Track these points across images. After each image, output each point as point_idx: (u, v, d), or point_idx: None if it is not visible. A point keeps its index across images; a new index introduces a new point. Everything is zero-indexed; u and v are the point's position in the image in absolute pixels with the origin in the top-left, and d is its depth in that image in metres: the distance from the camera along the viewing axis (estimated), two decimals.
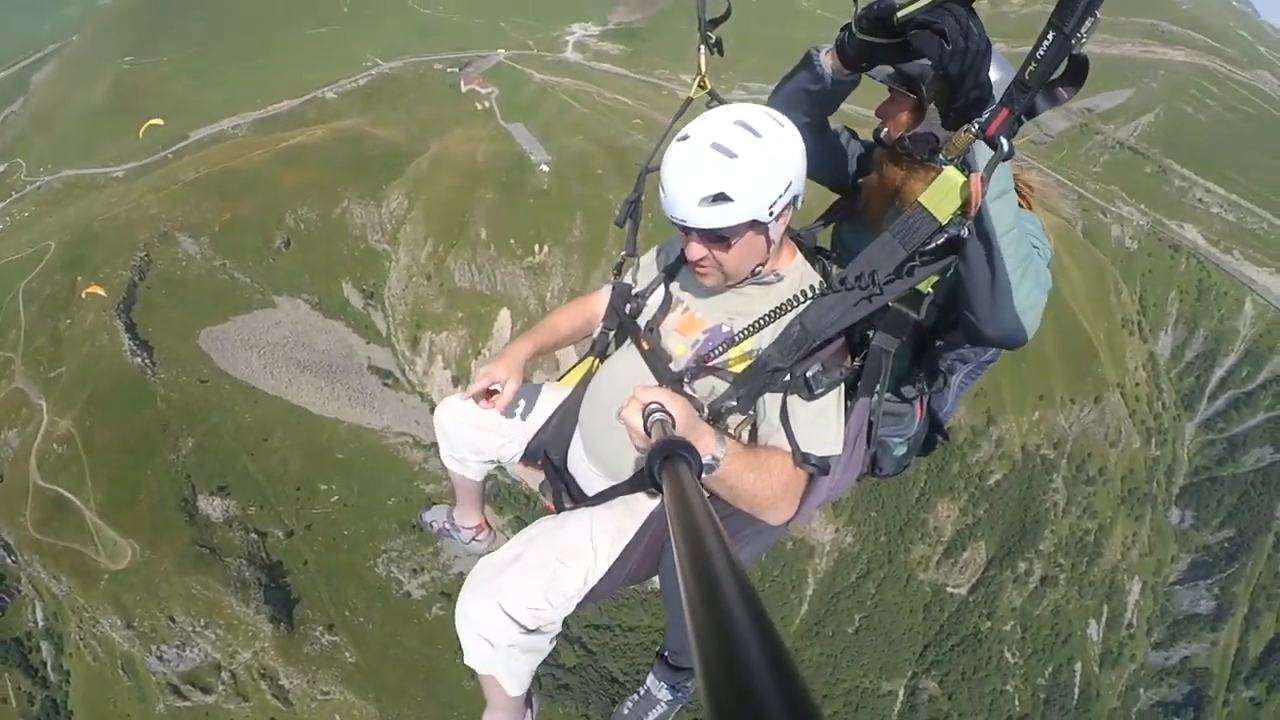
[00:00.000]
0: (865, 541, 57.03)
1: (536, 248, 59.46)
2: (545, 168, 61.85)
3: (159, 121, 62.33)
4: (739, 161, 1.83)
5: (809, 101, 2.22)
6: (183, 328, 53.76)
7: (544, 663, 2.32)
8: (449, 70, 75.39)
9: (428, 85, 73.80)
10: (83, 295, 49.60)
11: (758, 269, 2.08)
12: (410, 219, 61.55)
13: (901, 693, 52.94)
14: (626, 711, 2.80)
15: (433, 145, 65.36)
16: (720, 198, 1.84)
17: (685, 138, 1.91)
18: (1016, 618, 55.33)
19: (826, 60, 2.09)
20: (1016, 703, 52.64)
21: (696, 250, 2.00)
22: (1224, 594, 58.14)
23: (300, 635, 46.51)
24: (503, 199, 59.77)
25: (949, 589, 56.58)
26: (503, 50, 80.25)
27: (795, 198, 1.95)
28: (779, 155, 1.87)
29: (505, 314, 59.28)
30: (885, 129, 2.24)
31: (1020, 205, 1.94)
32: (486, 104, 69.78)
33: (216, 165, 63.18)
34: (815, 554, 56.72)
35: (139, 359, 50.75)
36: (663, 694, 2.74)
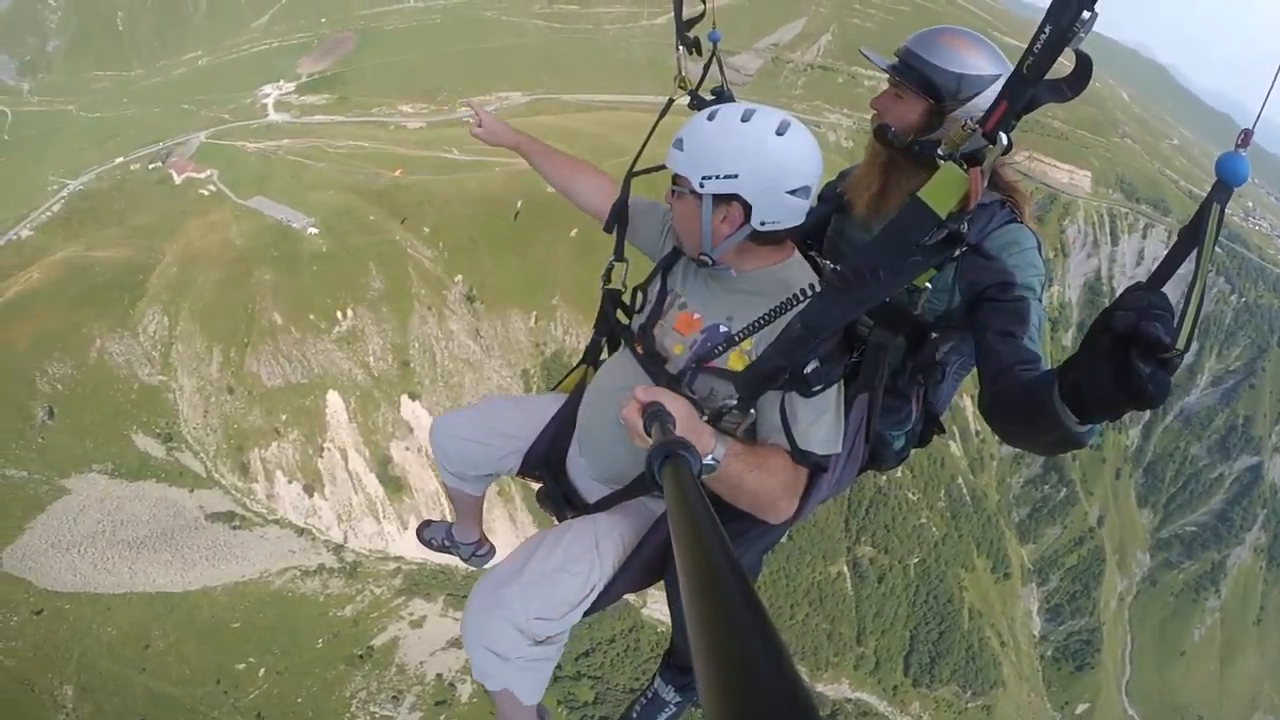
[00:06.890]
0: None
1: (339, 314, 54.61)
2: (314, 230, 56.71)
3: None
4: (709, 125, 1.97)
5: None
6: None
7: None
8: (150, 166, 66.18)
9: (131, 190, 64.06)
10: None
11: (705, 258, 2.08)
12: (180, 335, 53.48)
13: (846, 569, 57.31)
14: (635, 715, 2.75)
15: (168, 250, 57.03)
16: (678, 142, 2.02)
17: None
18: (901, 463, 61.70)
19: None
20: (934, 530, 59.26)
21: (669, 193, 2.15)
22: None
23: None
24: (284, 275, 53.96)
25: None
26: (200, 133, 71.91)
27: (737, 197, 1.96)
28: (743, 143, 1.93)
29: (333, 396, 53.87)
30: (893, 127, 2.14)
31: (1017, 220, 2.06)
32: (211, 188, 62.36)
33: None
34: None
35: None
36: (670, 696, 2.70)
